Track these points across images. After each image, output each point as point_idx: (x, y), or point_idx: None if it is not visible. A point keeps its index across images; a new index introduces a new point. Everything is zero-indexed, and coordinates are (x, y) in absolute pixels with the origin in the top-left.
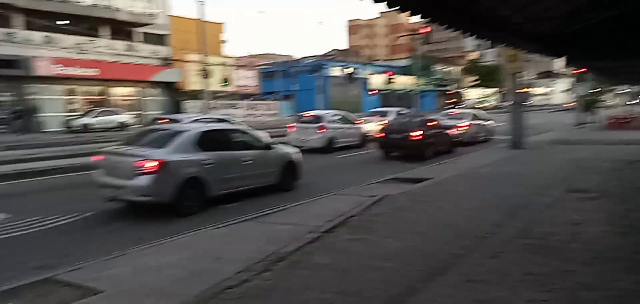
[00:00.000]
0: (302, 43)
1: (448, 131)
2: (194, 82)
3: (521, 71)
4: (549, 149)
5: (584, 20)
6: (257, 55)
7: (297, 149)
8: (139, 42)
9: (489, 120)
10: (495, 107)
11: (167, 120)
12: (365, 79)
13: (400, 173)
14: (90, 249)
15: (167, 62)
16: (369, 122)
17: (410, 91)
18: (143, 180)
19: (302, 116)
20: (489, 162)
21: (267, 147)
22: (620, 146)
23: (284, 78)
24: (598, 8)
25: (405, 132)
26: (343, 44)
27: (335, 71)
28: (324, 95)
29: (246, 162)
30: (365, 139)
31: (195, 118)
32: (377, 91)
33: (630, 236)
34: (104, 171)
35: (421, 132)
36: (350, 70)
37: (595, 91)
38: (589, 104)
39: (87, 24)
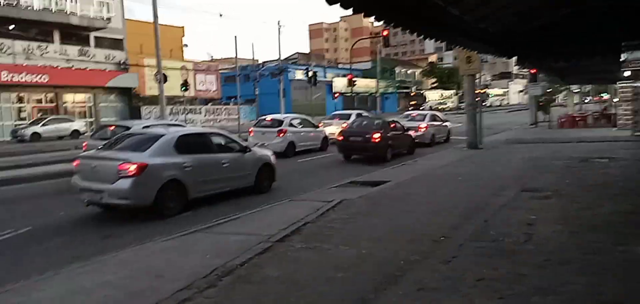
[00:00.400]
0: (265, 47)
1: (408, 133)
2: (151, 88)
3: (477, 72)
4: (505, 148)
5: (534, 20)
6: (219, 59)
7: (272, 152)
8: (93, 47)
9: (446, 121)
10: (454, 109)
11: (114, 127)
12: (329, 82)
13: (360, 176)
14: (21, 269)
15: (123, 67)
16: (330, 126)
17: (372, 93)
18: (123, 183)
19: (261, 119)
20: (446, 163)
21: (244, 150)
22: (573, 144)
23: (246, 82)
24: (549, 7)
25: (365, 134)
26: (305, 48)
27: (298, 75)
28: (286, 99)
29: (224, 165)
30: (326, 143)
31: (146, 124)
32: (339, 94)
33: (582, 235)
34: (81, 175)
35: (380, 135)
36: (312, 73)
37: (548, 91)
38: (542, 104)
39: (36, 29)
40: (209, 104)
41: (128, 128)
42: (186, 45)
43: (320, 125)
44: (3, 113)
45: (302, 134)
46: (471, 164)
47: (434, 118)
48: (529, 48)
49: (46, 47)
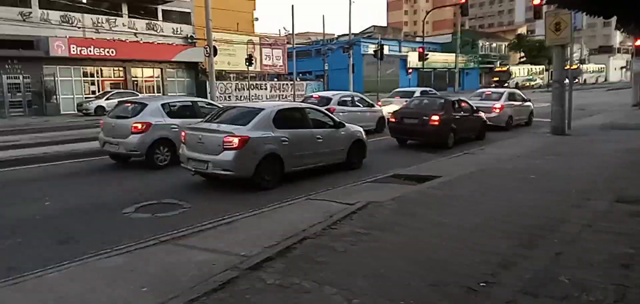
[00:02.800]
0: (341, 20)
1: (479, 115)
2: (219, 62)
3: (567, 43)
4: (598, 136)
5: None
6: (293, 34)
7: (362, 129)
8: (161, 20)
9: (528, 101)
10: (544, 86)
11: (131, 104)
12: (404, 57)
13: (408, 168)
14: None
15: (190, 41)
16: (389, 104)
17: (451, 69)
18: (227, 155)
19: (310, 97)
20: (520, 152)
21: (338, 125)
22: None
23: (316, 57)
24: None
25: (422, 116)
26: (383, 21)
27: (371, 49)
28: (357, 74)
29: (319, 140)
30: (383, 124)
31: (158, 100)
32: (412, 70)
33: None
34: (188, 146)
35: (439, 117)
36: (378, 47)
37: None
38: None
39: (105, 2)
40: (275, 79)
41: (144, 104)
42: (257, 19)
43: (379, 104)
44: (74, 86)
45: (353, 113)
46: (552, 156)
47: (512, 97)
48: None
49: (115, 21)
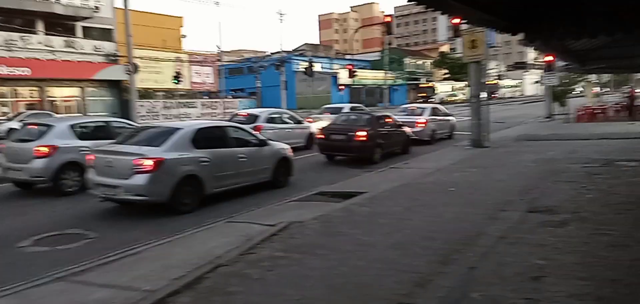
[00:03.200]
0: (273, 38)
1: (403, 129)
2: (143, 80)
3: (483, 59)
4: (514, 147)
5: None
6: (225, 52)
7: (288, 146)
8: (80, 37)
9: (450, 116)
10: (466, 101)
11: (37, 126)
12: (335, 74)
13: (333, 184)
14: None
15: (112, 59)
16: (319, 121)
17: (380, 85)
18: (140, 179)
19: (236, 115)
20: (442, 166)
21: (262, 143)
22: (592, 142)
23: (248, 75)
24: None
25: (348, 132)
26: (315, 39)
27: (303, 66)
28: (290, 92)
29: (241, 160)
30: (312, 141)
31: (66, 121)
32: (344, 87)
33: (622, 300)
34: (96, 171)
35: (366, 133)
36: (308, 64)
37: (565, 81)
38: (558, 95)
39: (19, 19)
40: (205, 97)
41: (51, 125)
42: (185, 36)
43: (309, 120)
44: None
45: (282, 130)
46: (470, 168)
47: (435, 112)
48: (540, 17)
49: (30, 38)
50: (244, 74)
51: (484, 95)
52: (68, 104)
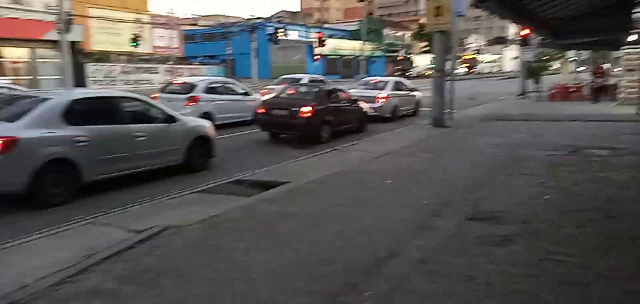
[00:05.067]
0: (253, 5)
1: (359, 105)
2: (99, 42)
3: (447, 28)
4: (477, 128)
5: None
6: (202, 16)
7: (209, 123)
8: None
9: (414, 90)
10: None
11: None
12: (311, 43)
13: (257, 171)
14: None
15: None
16: (273, 93)
17: (357, 56)
18: None
19: (170, 83)
20: (392, 149)
21: (170, 119)
22: (563, 124)
23: (222, 41)
24: None
25: (291, 107)
26: (297, 7)
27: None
28: (261, 59)
29: (139, 139)
30: None
31: None
32: (320, 57)
33: None
34: None
35: (311, 108)
36: (279, 32)
37: (544, 58)
38: (532, 71)
39: None
40: (169, 62)
41: None
42: None
43: (264, 92)
44: None
45: (225, 103)
46: (422, 153)
47: (397, 86)
48: None
49: None
50: (217, 40)
51: (460, 71)
52: (16, 65)
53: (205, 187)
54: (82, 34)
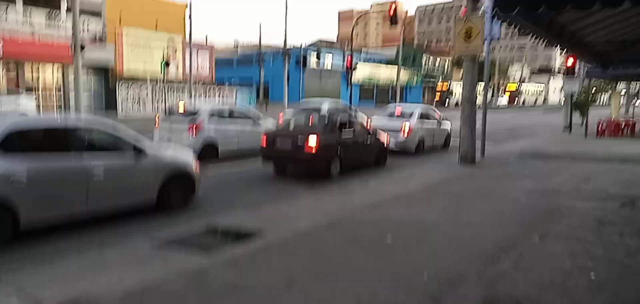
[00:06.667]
0: (293, 33)
1: (378, 137)
2: (129, 62)
3: (479, 53)
4: (512, 167)
5: None
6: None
7: (190, 153)
8: (64, 13)
9: (444, 120)
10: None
11: None
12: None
13: (242, 213)
14: None
15: (98, 39)
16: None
17: (393, 84)
18: None
19: (174, 108)
20: (407, 191)
21: (139, 152)
22: (613, 165)
23: (256, 66)
24: None
25: (297, 138)
26: (334, 34)
27: (313, 60)
28: (295, 85)
29: (96, 177)
30: None
31: None
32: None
33: None
34: None
35: (317, 140)
36: (310, 56)
37: (590, 88)
38: (579, 104)
39: None
40: (201, 84)
41: None
42: (190, 22)
43: (281, 115)
44: None
45: (231, 130)
46: (439, 198)
47: (425, 115)
48: None
49: (6, 9)
50: (253, 65)
51: (501, 101)
52: (47, 87)
53: (165, 237)
54: (115, 56)
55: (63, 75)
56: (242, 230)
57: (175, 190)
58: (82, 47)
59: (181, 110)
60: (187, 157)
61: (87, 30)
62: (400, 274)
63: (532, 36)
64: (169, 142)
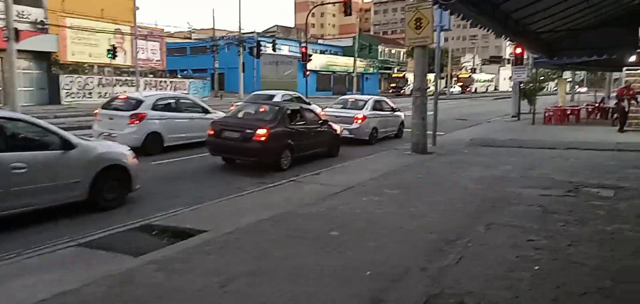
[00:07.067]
0: (249, 19)
1: (329, 127)
2: (74, 53)
3: (430, 43)
4: (463, 155)
5: None
6: (196, 29)
7: (127, 148)
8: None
9: (397, 110)
10: (439, 94)
11: None
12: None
13: (185, 210)
14: None
15: (39, 27)
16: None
17: (351, 73)
18: None
19: (115, 98)
20: (356, 182)
21: (66, 145)
22: (559, 152)
23: (211, 55)
24: None
25: (245, 130)
26: (290, 22)
27: (269, 49)
28: (251, 74)
29: (17, 171)
30: None
31: None
32: (310, 72)
33: None
34: None
35: (267, 131)
36: (264, 46)
37: (541, 79)
38: (527, 93)
39: None
40: (150, 75)
41: None
42: (138, 8)
43: (232, 108)
44: None
45: (177, 121)
46: (389, 189)
47: (378, 106)
48: None
49: None
50: (207, 53)
51: (454, 90)
52: None
53: (91, 237)
54: (57, 44)
55: (1, 64)
56: (180, 228)
57: (109, 185)
58: (17, 35)
59: (120, 99)
60: (122, 149)
61: (27, 16)
62: (342, 271)
63: (478, 26)
64: (109, 134)
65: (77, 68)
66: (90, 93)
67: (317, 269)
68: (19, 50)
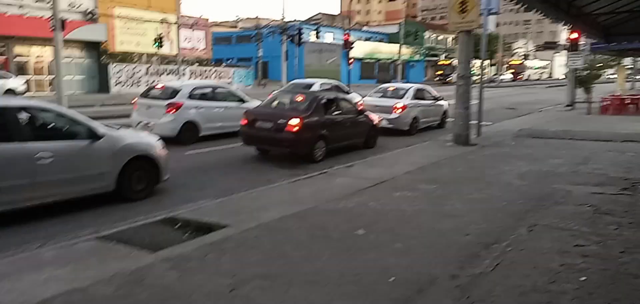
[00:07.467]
0: (293, 7)
1: (367, 117)
2: (123, 43)
3: (475, 26)
4: (508, 148)
5: None
6: (245, 19)
7: (157, 138)
8: None
9: (440, 99)
10: (487, 82)
11: None
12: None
13: (212, 202)
14: None
15: (89, 17)
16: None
17: (396, 60)
18: None
19: (151, 87)
20: (392, 175)
21: (93, 135)
22: (616, 145)
23: (255, 44)
24: None
25: (278, 120)
26: (336, 9)
27: (312, 37)
28: (294, 63)
29: (42, 161)
30: None
31: None
32: (354, 60)
33: None
34: None
35: (300, 121)
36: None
37: (598, 65)
38: (583, 80)
39: None
40: (196, 64)
41: None
42: None
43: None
44: None
45: (212, 111)
46: (425, 184)
47: (419, 95)
48: None
49: None
50: (252, 42)
51: (505, 77)
52: (39, 65)
53: (113, 230)
54: (106, 34)
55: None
56: (202, 222)
57: (137, 176)
58: (63, 25)
59: (158, 89)
60: (151, 140)
61: (78, 6)
62: (364, 276)
63: (531, 9)
64: (147, 123)
65: (125, 57)
66: (138, 82)
67: (336, 274)
68: (71, 40)
